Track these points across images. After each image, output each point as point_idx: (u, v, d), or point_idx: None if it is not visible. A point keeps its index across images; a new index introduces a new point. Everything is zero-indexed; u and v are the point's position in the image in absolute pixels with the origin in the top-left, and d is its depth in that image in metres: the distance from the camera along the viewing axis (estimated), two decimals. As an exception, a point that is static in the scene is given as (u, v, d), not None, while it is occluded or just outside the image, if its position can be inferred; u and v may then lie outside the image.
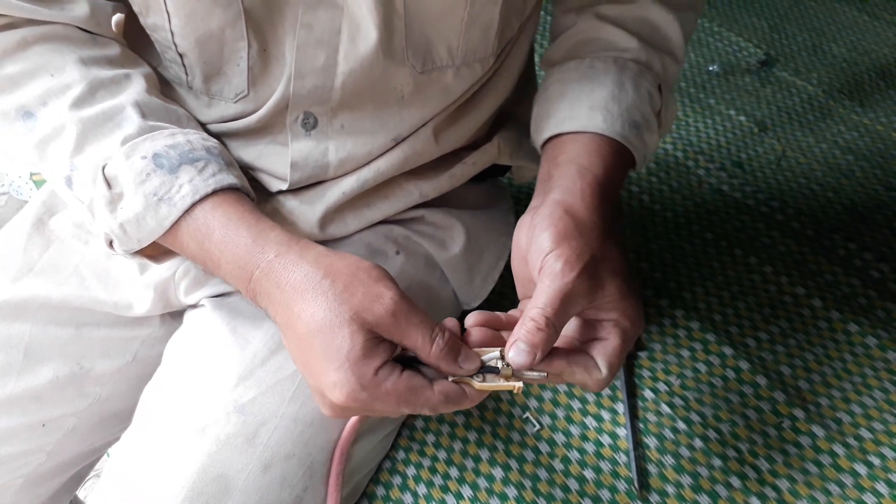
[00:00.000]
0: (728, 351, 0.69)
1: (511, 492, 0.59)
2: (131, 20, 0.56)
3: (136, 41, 0.58)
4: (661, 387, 0.66)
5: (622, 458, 0.61)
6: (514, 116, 0.67)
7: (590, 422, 0.64)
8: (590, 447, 0.62)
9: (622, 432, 0.63)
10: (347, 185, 0.57)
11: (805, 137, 0.99)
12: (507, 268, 0.69)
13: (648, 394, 0.66)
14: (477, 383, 0.45)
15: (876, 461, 0.59)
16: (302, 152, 0.56)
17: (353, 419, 0.55)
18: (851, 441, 0.61)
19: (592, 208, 0.49)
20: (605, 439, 0.62)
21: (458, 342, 0.45)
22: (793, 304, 0.73)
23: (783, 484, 0.58)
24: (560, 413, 0.65)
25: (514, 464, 0.61)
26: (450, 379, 0.45)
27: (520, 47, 0.62)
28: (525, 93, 0.68)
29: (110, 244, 0.51)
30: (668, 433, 0.62)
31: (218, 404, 0.52)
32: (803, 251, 0.79)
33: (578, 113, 0.54)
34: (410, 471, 0.61)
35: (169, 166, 0.48)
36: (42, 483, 0.65)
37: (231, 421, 0.51)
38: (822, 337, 0.70)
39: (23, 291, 0.60)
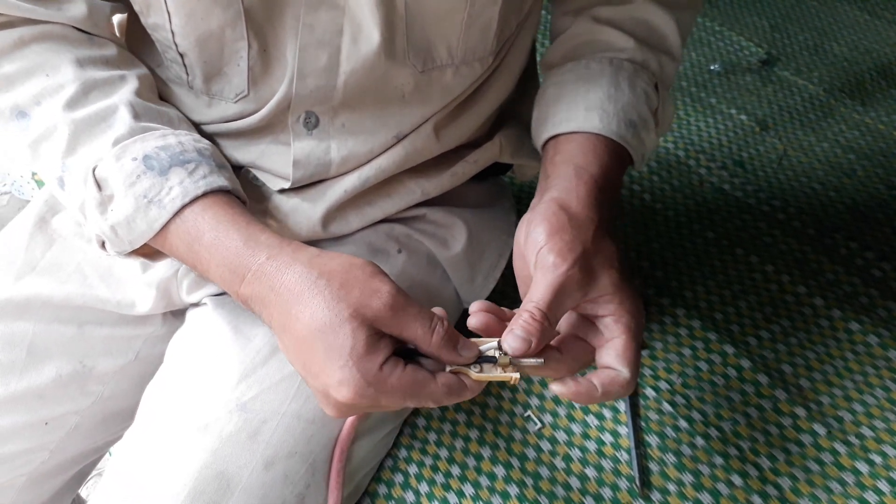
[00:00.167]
0: (729, 349, 0.69)
1: (513, 490, 0.59)
2: (133, 20, 0.57)
3: (138, 41, 0.58)
4: (663, 385, 0.66)
5: (624, 456, 0.61)
6: (515, 115, 0.67)
7: (591, 420, 0.64)
8: (591, 445, 0.62)
9: (624, 430, 0.63)
10: (349, 182, 0.57)
11: (806, 136, 0.99)
12: (509, 266, 0.69)
13: (650, 392, 0.66)
14: (474, 373, 0.45)
15: (877, 459, 0.59)
16: (304, 151, 0.56)
17: (352, 416, 0.55)
18: (853, 439, 0.61)
19: (587, 204, 0.49)
20: (607, 437, 0.62)
21: (456, 332, 0.45)
22: (794, 303, 0.73)
23: (784, 482, 0.58)
24: (561, 411, 0.65)
25: (515, 462, 0.61)
26: (447, 369, 0.45)
27: (520, 46, 0.62)
28: (527, 91, 0.68)
29: (102, 245, 0.51)
30: (669, 431, 0.63)
31: (220, 402, 0.52)
32: (804, 250, 0.79)
33: (575, 114, 0.55)
34: (412, 469, 0.61)
35: (159, 168, 0.48)
36: (44, 481, 0.65)
37: (233, 419, 0.51)
38: (824, 335, 0.70)
39: (25, 290, 0.60)
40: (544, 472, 0.60)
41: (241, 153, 0.58)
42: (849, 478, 0.58)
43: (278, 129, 0.57)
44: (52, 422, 0.61)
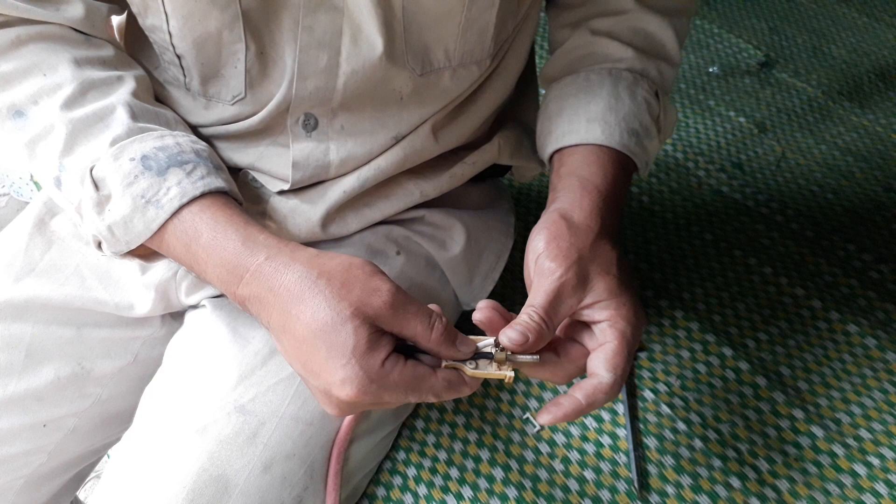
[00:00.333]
0: (728, 352, 0.69)
1: (511, 492, 0.59)
2: (131, 22, 0.57)
3: (136, 43, 0.58)
4: (661, 387, 0.66)
5: (622, 458, 0.61)
6: (514, 116, 0.67)
7: (590, 422, 0.64)
8: (590, 447, 0.62)
9: (622, 433, 0.63)
10: (348, 183, 0.57)
11: (805, 139, 0.99)
12: (507, 268, 0.69)
13: (648, 394, 0.66)
14: (469, 369, 0.45)
15: (875, 461, 0.59)
16: (303, 152, 0.57)
17: (350, 417, 0.55)
18: (851, 441, 0.61)
19: (588, 213, 0.50)
20: (606, 440, 0.62)
21: (454, 328, 0.46)
22: (792, 305, 0.73)
23: (783, 484, 0.58)
24: (560, 413, 0.65)
25: (514, 464, 0.61)
26: (443, 365, 0.45)
27: (517, 48, 0.62)
28: (525, 93, 0.68)
29: (98, 245, 0.51)
30: (668, 434, 0.63)
31: (218, 404, 0.52)
32: (803, 252, 0.79)
33: (577, 126, 0.56)
34: (411, 471, 0.61)
35: (157, 168, 0.48)
36: (43, 484, 0.65)
37: (231, 421, 0.51)
38: (822, 338, 0.70)
39: (24, 292, 0.60)
40: (543, 474, 0.60)
41: (240, 155, 0.58)
42: (847, 480, 0.58)
43: (277, 131, 0.57)
44: (50, 424, 0.61)
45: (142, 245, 0.50)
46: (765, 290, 0.75)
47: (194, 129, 0.58)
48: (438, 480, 0.61)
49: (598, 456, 0.61)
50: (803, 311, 0.73)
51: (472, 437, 0.63)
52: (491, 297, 0.68)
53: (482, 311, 0.47)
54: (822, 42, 1.21)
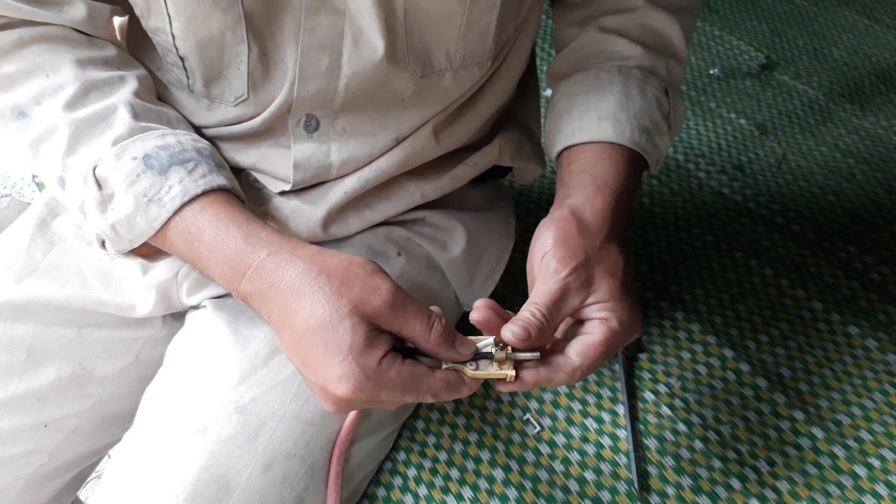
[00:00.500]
0: (728, 353, 0.69)
1: (511, 493, 0.59)
2: (134, 24, 0.57)
3: (139, 45, 0.59)
4: (662, 388, 0.66)
5: (622, 459, 0.61)
6: (515, 118, 0.67)
7: (590, 423, 0.64)
8: (590, 448, 0.62)
9: (622, 434, 0.63)
10: (349, 184, 0.58)
11: (805, 141, 0.99)
12: (508, 270, 0.69)
13: (649, 395, 0.66)
14: (470, 371, 0.45)
15: (876, 463, 0.59)
16: (304, 154, 0.57)
17: (351, 418, 0.55)
18: (851, 443, 0.61)
19: (600, 213, 0.50)
20: (606, 441, 0.62)
21: (453, 329, 0.46)
22: (793, 307, 0.73)
23: (783, 486, 0.58)
24: (560, 414, 0.65)
25: (514, 465, 0.61)
26: (443, 366, 0.45)
27: (518, 50, 0.62)
28: (526, 95, 0.68)
29: (102, 244, 0.51)
30: (668, 435, 0.63)
31: (219, 404, 0.52)
32: (803, 254, 0.79)
33: (588, 124, 0.56)
34: (411, 472, 0.61)
35: (159, 167, 0.48)
36: (44, 484, 0.65)
37: (232, 421, 0.51)
38: (823, 339, 0.70)
39: (26, 292, 0.60)
40: (543, 475, 0.60)
41: (242, 156, 0.59)
42: (847, 481, 0.58)
43: (279, 132, 0.57)
44: (51, 424, 0.61)
45: (145, 244, 0.50)
46: (765, 291, 0.75)
47: (197, 131, 0.58)
48: (439, 481, 0.61)
49: (599, 457, 0.61)
50: (804, 312, 0.73)
51: (473, 437, 0.63)
52: (491, 298, 0.68)
53: (479, 311, 0.47)
54: (823, 44, 1.21)
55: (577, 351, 0.47)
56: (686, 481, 0.59)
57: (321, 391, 0.45)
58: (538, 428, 0.64)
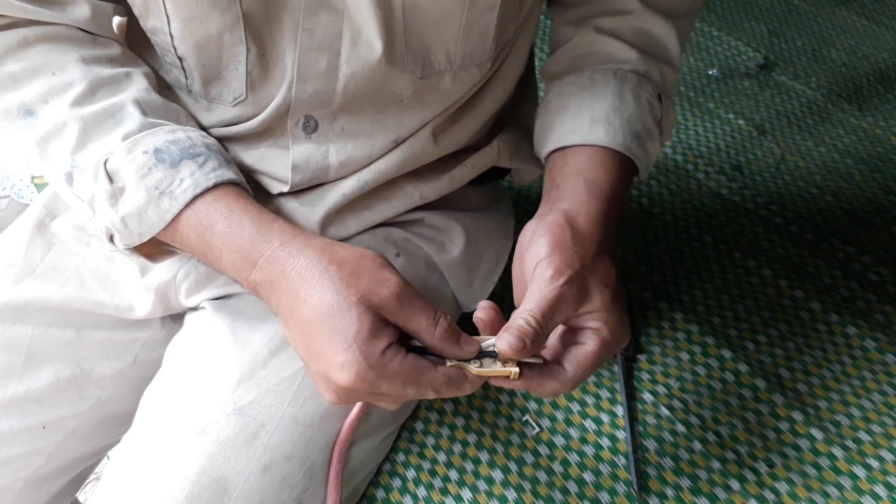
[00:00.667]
0: (727, 354, 0.69)
1: (510, 494, 0.59)
2: (133, 24, 0.57)
3: (138, 45, 0.59)
4: (661, 389, 0.66)
5: (621, 460, 0.61)
6: (513, 119, 0.67)
7: (589, 424, 0.64)
8: (589, 450, 0.62)
9: (621, 435, 0.63)
10: (348, 186, 0.58)
11: (804, 141, 0.99)
12: (507, 271, 0.69)
13: (648, 396, 0.66)
14: (474, 368, 0.45)
15: (875, 464, 0.59)
16: (303, 155, 0.57)
17: (351, 419, 0.55)
18: (850, 444, 0.61)
19: (594, 220, 0.50)
20: (605, 442, 0.62)
21: (458, 328, 0.46)
22: (792, 308, 0.73)
23: (782, 487, 0.58)
24: (559, 416, 0.65)
25: (513, 466, 0.61)
26: (448, 364, 0.45)
27: (518, 51, 0.62)
28: (525, 96, 0.68)
29: (111, 239, 0.51)
30: (667, 436, 0.63)
31: (218, 406, 0.52)
32: (802, 254, 0.80)
33: (580, 126, 0.56)
34: (410, 473, 0.61)
35: (170, 161, 0.49)
36: (42, 485, 0.65)
37: (231, 423, 0.51)
38: (821, 340, 0.70)
39: (24, 294, 0.60)
40: (542, 476, 0.60)
41: (241, 157, 0.59)
42: (846, 482, 0.58)
43: (277, 133, 0.57)
44: (49, 425, 0.61)
45: (149, 242, 0.50)
46: (764, 292, 0.75)
47: None
48: (438, 482, 0.61)
49: (598, 458, 0.61)
50: (803, 313, 0.73)
51: (472, 438, 0.63)
52: (490, 298, 0.68)
53: (483, 310, 0.47)
54: (822, 45, 1.21)
55: (570, 360, 0.47)
56: (685, 482, 0.59)
57: (323, 379, 0.45)
58: (537, 429, 0.64)
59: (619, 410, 0.65)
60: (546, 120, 0.59)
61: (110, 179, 0.49)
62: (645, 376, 0.67)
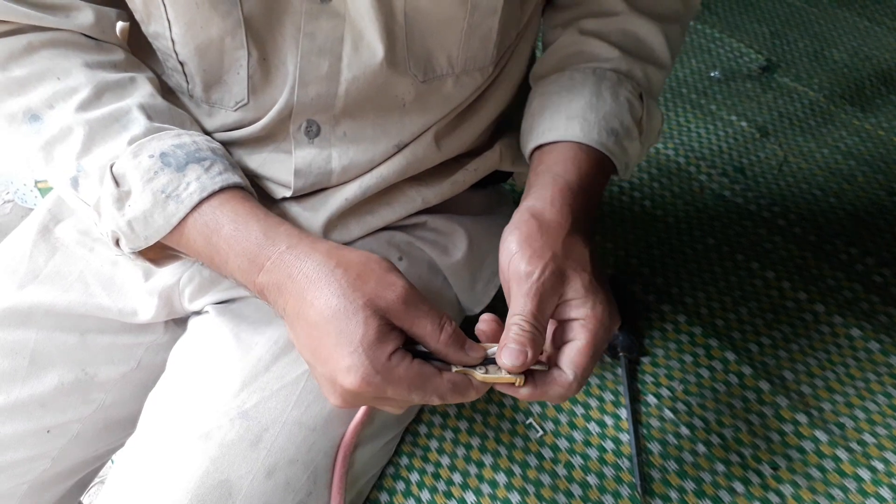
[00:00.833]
0: (730, 356, 0.69)
1: (514, 497, 0.59)
2: (135, 30, 0.57)
3: (140, 50, 0.59)
4: (664, 392, 0.66)
5: (625, 463, 0.61)
6: (515, 123, 0.67)
7: (593, 427, 0.64)
8: (593, 453, 0.62)
9: (625, 437, 0.63)
10: (350, 191, 0.58)
11: (807, 143, 0.99)
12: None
13: (651, 399, 0.66)
14: (479, 374, 0.45)
15: (879, 466, 0.59)
16: (305, 160, 0.57)
17: (355, 422, 0.55)
18: (854, 446, 0.61)
19: (558, 210, 0.50)
20: (608, 445, 0.62)
21: (463, 334, 0.46)
22: (795, 309, 0.73)
23: (786, 489, 0.58)
24: (563, 419, 0.65)
25: (517, 469, 0.61)
26: (453, 370, 0.45)
27: (519, 55, 0.62)
28: (526, 100, 0.68)
29: (116, 243, 0.51)
30: (671, 438, 0.62)
31: (222, 410, 0.52)
32: (805, 256, 0.79)
33: (557, 124, 0.56)
34: (414, 477, 0.61)
35: (176, 165, 0.49)
36: (46, 489, 0.65)
37: (235, 426, 0.51)
38: (825, 342, 0.70)
39: (28, 298, 0.60)
40: (546, 479, 0.60)
41: (244, 162, 0.59)
42: (851, 484, 0.58)
43: (280, 137, 0.57)
44: (54, 429, 0.62)
45: (154, 247, 0.50)
46: (767, 294, 0.75)
47: None
48: (441, 486, 0.61)
49: (602, 461, 0.61)
50: (806, 315, 0.72)
51: (475, 442, 0.63)
52: (493, 301, 0.68)
53: (485, 322, 0.47)
54: (824, 46, 1.21)
55: (566, 362, 0.46)
56: (689, 485, 0.59)
57: (329, 383, 0.45)
58: (541, 432, 0.64)
59: (623, 413, 0.65)
60: (528, 121, 0.60)
61: (116, 183, 0.49)
62: (648, 379, 0.67)
